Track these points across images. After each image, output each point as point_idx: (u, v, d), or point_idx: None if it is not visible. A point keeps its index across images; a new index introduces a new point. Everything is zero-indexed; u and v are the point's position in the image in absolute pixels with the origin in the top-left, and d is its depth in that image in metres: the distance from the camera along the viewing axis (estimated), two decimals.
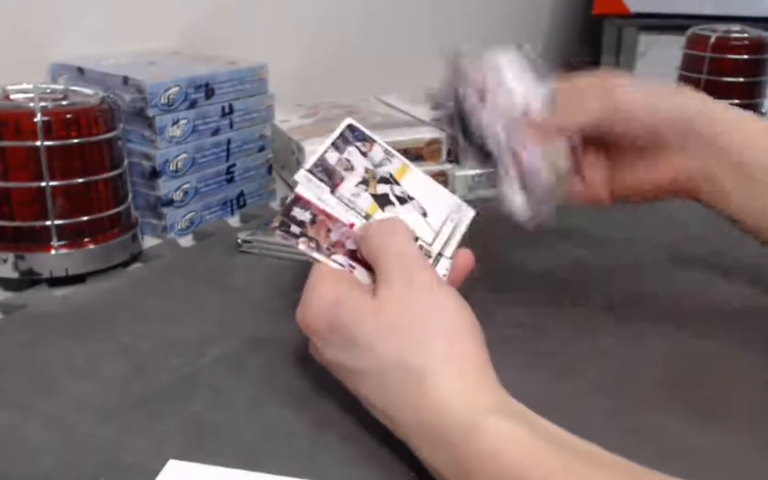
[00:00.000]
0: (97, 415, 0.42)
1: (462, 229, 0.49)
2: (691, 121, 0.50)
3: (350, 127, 0.50)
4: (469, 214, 0.50)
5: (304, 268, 0.47)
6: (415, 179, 0.50)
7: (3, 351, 0.49)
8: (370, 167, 0.49)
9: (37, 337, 0.51)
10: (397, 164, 0.50)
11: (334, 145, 0.48)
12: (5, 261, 0.57)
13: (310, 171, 0.46)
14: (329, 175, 0.46)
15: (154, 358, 0.48)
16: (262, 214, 0.73)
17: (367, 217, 0.46)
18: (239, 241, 0.65)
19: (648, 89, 0.51)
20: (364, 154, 0.49)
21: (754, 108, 1.09)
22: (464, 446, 0.34)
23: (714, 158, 0.49)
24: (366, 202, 0.47)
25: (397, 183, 0.49)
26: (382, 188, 0.48)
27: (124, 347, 0.50)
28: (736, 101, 1.07)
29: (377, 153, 0.50)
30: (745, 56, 1.06)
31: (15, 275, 0.57)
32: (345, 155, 0.48)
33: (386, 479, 0.38)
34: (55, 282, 0.58)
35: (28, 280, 0.57)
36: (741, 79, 1.07)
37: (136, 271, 0.62)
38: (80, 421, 0.42)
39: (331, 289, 0.40)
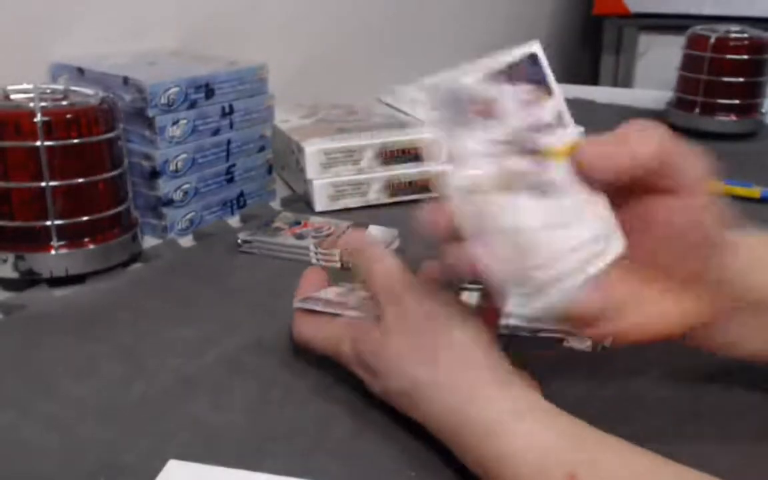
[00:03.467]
0: (97, 415, 0.42)
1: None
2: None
3: (532, 58, 0.36)
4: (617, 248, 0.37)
5: (303, 268, 0.47)
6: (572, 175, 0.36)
7: (3, 351, 0.49)
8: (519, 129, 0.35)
9: (37, 337, 0.51)
10: (562, 139, 0.36)
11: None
12: (5, 261, 0.57)
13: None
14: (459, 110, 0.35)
15: (154, 358, 0.48)
16: (262, 214, 0.73)
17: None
18: (239, 241, 0.65)
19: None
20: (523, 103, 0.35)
21: (754, 108, 1.09)
22: (486, 448, 0.35)
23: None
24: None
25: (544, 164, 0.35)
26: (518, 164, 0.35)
27: (124, 347, 0.50)
28: (736, 101, 1.07)
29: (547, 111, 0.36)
30: (745, 56, 1.06)
31: (15, 275, 0.57)
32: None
33: (387, 479, 0.38)
34: (55, 282, 0.58)
35: (28, 280, 0.57)
36: (741, 79, 1.07)
37: (136, 271, 0.62)
38: (80, 421, 0.42)
39: (345, 333, 0.43)
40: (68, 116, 0.56)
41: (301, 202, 0.78)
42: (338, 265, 0.61)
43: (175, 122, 0.67)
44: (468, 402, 0.37)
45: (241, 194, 0.76)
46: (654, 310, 0.37)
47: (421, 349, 0.39)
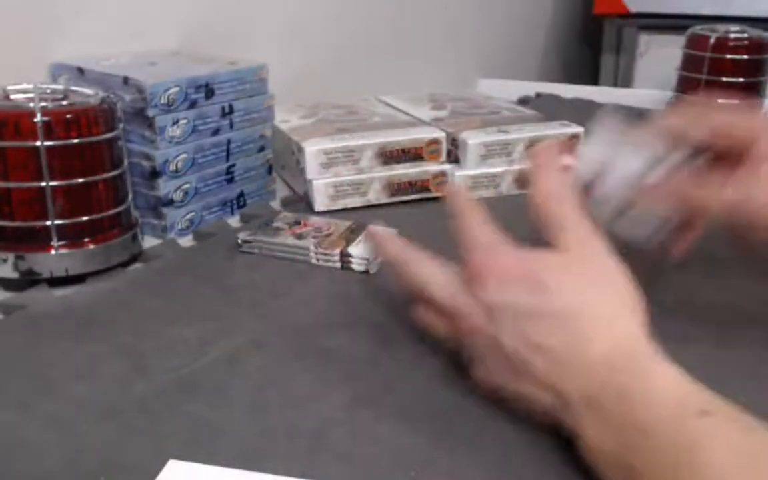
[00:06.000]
0: (97, 415, 0.42)
1: None
2: None
3: None
4: None
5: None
6: None
7: (3, 351, 0.49)
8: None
9: (37, 337, 0.51)
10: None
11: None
12: (5, 261, 0.57)
13: None
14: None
15: (154, 358, 0.48)
16: (262, 214, 0.73)
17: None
18: (239, 241, 0.65)
19: None
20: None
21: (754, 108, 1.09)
22: (630, 385, 0.36)
23: None
24: None
25: None
26: None
27: (124, 347, 0.50)
28: (736, 101, 1.07)
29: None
30: (745, 56, 1.06)
31: (15, 275, 0.57)
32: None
33: (387, 479, 0.38)
34: (55, 282, 0.58)
35: (28, 280, 0.57)
36: (741, 79, 1.07)
37: (136, 271, 0.62)
38: (80, 421, 0.42)
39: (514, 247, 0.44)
40: (68, 116, 0.56)
41: (301, 202, 0.78)
42: (338, 265, 0.61)
43: (175, 122, 0.67)
44: (637, 339, 0.39)
45: (241, 194, 0.76)
46: None
47: (597, 285, 0.41)
